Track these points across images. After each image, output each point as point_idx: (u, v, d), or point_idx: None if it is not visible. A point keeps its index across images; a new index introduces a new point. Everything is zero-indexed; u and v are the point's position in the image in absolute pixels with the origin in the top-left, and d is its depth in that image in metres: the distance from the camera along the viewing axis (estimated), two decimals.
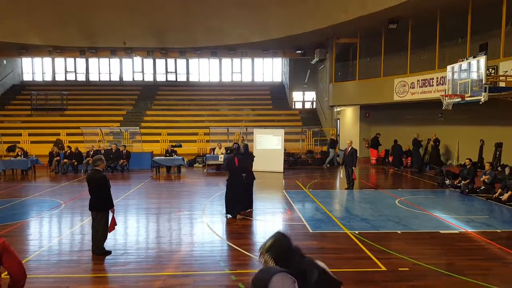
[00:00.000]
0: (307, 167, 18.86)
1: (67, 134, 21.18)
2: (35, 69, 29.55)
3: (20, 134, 20.93)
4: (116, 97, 27.19)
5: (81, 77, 29.58)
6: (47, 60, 28.88)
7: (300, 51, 24.69)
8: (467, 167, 12.46)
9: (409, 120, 19.25)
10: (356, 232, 7.65)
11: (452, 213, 9.32)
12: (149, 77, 29.82)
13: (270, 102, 27.21)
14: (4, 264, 2.95)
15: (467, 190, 11.68)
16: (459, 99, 11.44)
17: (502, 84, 11.15)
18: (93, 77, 29.59)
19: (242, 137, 17.47)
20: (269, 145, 17.07)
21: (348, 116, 22.98)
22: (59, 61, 29.17)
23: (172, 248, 6.90)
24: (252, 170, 9.80)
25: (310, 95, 28.09)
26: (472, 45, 14.25)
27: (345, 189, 12.57)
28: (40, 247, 6.93)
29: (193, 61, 29.50)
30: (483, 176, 11.79)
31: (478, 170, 13.48)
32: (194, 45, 23.34)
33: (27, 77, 29.58)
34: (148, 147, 20.00)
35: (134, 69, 29.60)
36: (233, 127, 20.58)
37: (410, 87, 16.78)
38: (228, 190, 9.07)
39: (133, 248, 6.94)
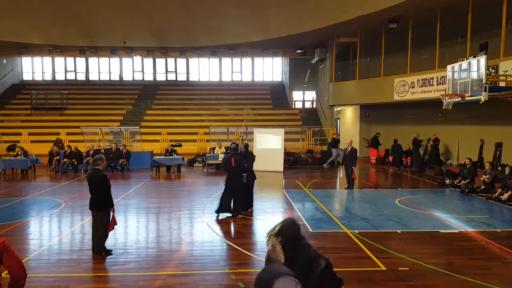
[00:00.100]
0: (307, 166, 18.87)
1: (67, 134, 21.18)
2: (35, 68, 29.53)
3: (20, 134, 20.94)
4: (116, 96, 27.19)
5: (81, 77, 29.56)
6: (47, 59, 28.86)
7: (300, 51, 24.69)
8: (467, 166, 12.46)
9: (409, 119, 19.24)
10: (356, 231, 7.65)
11: (452, 213, 9.32)
12: (149, 77, 29.81)
13: (270, 101, 27.20)
14: (4, 264, 2.95)
15: (467, 190, 11.68)
16: (459, 99, 11.44)
17: (502, 84, 11.15)
18: (93, 77, 29.58)
19: (241, 136, 17.46)
20: (269, 144, 17.07)
21: (348, 116, 22.97)
22: (59, 60, 29.15)
23: (172, 248, 6.90)
24: (253, 170, 9.79)
25: (310, 95, 28.08)
26: (472, 44, 14.24)
27: (345, 188, 12.57)
28: (40, 246, 6.94)
29: (193, 61, 29.49)
30: (483, 175, 11.79)
31: (478, 169, 13.48)
32: (194, 44, 23.34)
33: (27, 76, 29.57)
34: (148, 146, 20.00)
35: (134, 68, 29.59)
36: (233, 127, 20.58)
37: (410, 87, 16.78)
38: (225, 190, 9.06)
39: (133, 247, 6.94)
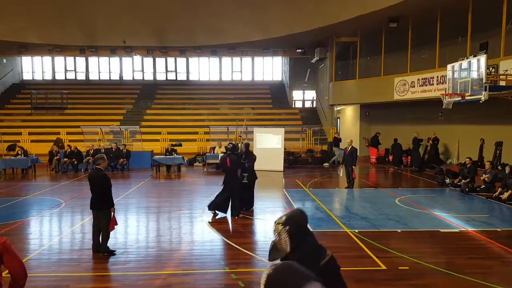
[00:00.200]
0: (307, 166, 18.87)
1: (67, 133, 21.18)
2: (35, 68, 29.52)
3: (20, 133, 20.94)
4: (116, 96, 27.18)
5: (81, 76, 29.55)
6: (47, 59, 28.86)
7: (300, 50, 24.68)
8: (467, 166, 12.46)
9: (409, 119, 19.25)
10: (356, 231, 7.65)
11: (452, 212, 9.33)
12: (149, 76, 29.80)
13: (270, 101, 27.19)
14: (4, 263, 2.95)
15: (467, 189, 11.68)
16: (459, 98, 11.44)
17: (502, 83, 11.15)
18: (93, 76, 29.57)
19: (240, 136, 17.44)
20: (269, 144, 17.07)
21: (348, 115, 22.97)
22: (59, 60, 29.14)
23: (172, 247, 6.90)
24: (254, 169, 9.77)
25: (310, 94, 28.06)
26: (472, 44, 14.24)
27: (345, 188, 12.58)
28: (40, 246, 6.94)
29: (193, 60, 29.48)
30: (483, 175, 11.79)
31: (478, 169, 13.49)
32: (194, 44, 23.33)
33: (27, 76, 29.57)
34: (148, 146, 20.00)
35: (134, 68, 29.58)
36: (233, 126, 20.57)
37: (410, 86, 16.78)
38: (222, 189, 9.02)
39: (134, 247, 6.94)
